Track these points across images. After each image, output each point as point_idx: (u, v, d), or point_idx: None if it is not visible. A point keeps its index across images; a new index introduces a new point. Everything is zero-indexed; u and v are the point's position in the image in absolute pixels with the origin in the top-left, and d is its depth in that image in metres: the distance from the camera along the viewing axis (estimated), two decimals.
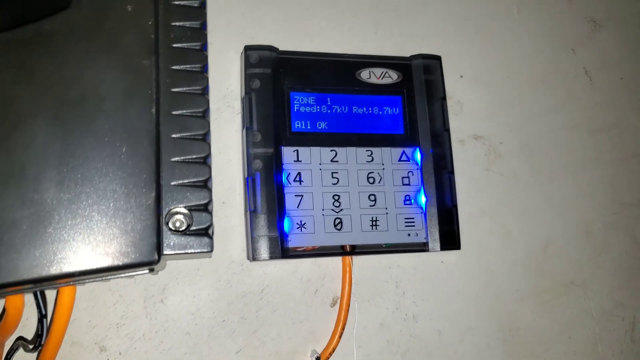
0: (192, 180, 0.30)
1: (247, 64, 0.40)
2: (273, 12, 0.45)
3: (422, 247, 0.41)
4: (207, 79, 0.32)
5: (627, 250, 0.50)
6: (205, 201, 0.30)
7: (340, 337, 0.39)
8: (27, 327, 0.35)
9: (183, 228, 0.29)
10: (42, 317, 0.31)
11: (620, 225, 0.50)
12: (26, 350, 0.31)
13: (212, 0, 0.43)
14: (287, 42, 0.44)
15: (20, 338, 0.32)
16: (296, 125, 0.40)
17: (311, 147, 0.40)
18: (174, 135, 0.30)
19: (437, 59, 0.44)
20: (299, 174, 0.39)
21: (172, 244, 0.29)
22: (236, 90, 0.42)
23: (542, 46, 0.52)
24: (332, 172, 0.40)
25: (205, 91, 0.31)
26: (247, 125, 0.39)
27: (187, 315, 0.38)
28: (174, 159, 0.30)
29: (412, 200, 0.41)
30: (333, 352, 0.39)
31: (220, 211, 0.40)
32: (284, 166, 0.39)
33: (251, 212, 0.38)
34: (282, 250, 0.37)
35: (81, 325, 0.36)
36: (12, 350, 0.32)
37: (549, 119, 0.50)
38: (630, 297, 0.49)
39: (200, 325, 0.38)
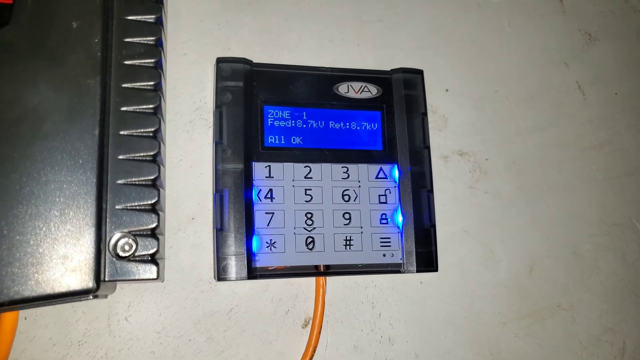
0: (138, 203, 0.29)
1: (219, 76, 0.39)
2: (251, 23, 0.44)
3: (398, 269, 0.40)
4: (160, 96, 0.30)
5: (617, 273, 0.48)
6: (152, 225, 0.29)
7: (311, 359, 0.38)
8: None
9: (127, 254, 0.28)
10: None
11: (611, 246, 0.48)
12: None
13: (188, 10, 0.42)
14: (265, 54, 0.43)
15: None
16: (269, 140, 0.39)
17: (284, 163, 0.39)
18: (120, 157, 0.29)
19: (419, 73, 0.43)
20: (271, 190, 0.38)
21: (114, 270, 0.28)
22: (210, 102, 0.41)
23: (533, 60, 0.50)
24: (306, 189, 0.39)
25: (157, 110, 0.30)
26: (217, 140, 0.38)
27: (152, 334, 0.37)
28: (120, 182, 0.29)
29: (389, 219, 0.40)
30: None
31: (189, 227, 0.39)
32: (254, 182, 0.38)
33: (218, 230, 0.37)
34: (248, 270, 0.36)
35: (41, 343, 0.35)
36: None
37: (538, 136, 0.48)
38: (619, 322, 0.47)
39: (165, 344, 0.37)
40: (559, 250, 0.47)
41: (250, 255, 0.37)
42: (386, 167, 0.41)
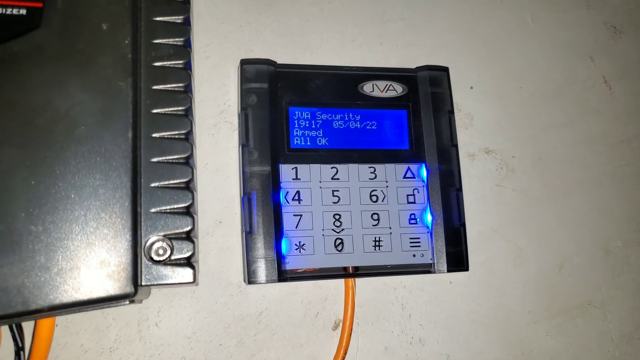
0: (173, 206, 0.28)
1: (244, 78, 0.38)
2: (273, 25, 0.43)
3: (428, 269, 0.39)
4: (190, 98, 0.30)
5: None
6: (188, 228, 0.28)
7: None
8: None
9: (164, 257, 0.28)
10: (18, 350, 0.30)
11: None
12: None
13: (209, 13, 0.42)
14: (288, 55, 0.43)
15: None
16: (295, 142, 0.39)
17: (311, 165, 0.38)
18: (154, 160, 0.29)
19: (445, 70, 0.42)
20: (298, 192, 0.38)
21: (151, 274, 0.27)
22: (234, 105, 0.41)
23: (557, 55, 0.49)
24: (333, 190, 0.38)
25: (188, 112, 0.30)
26: (243, 143, 0.37)
27: (183, 340, 0.37)
28: (153, 185, 0.28)
29: (418, 219, 0.39)
30: None
31: (217, 231, 0.39)
32: (281, 185, 0.38)
33: (247, 233, 0.36)
34: (279, 273, 0.36)
35: (73, 350, 0.35)
36: None
37: (565, 132, 0.48)
38: None
39: (196, 349, 0.37)
40: (589, 247, 0.46)
41: (280, 258, 0.36)
42: (414, 167, 0.40)
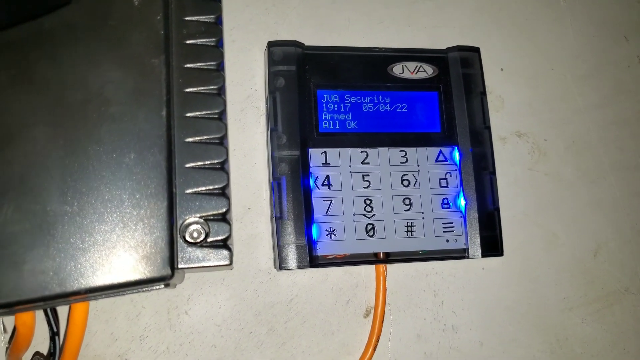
0: (208, 187, 0.28)
1: (271, 61, 0.37)
2: (298, 7, 0.42)
3: (462, 254, 0.38)
4: (223, 77, 0.29)
5: None
6: (224, 210, 0.28)
7: (374, 349, 0.37)
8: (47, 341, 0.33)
9: (199, 240, 0.27)
10: (53, 335, 0.29)
11: None
12: None
13: None
14: (314, 37, 0.42)
15: (38, 354, 0.31)
16: (324, 126, 0.38)
17: (340, 149, 0.38)
18: (188, 140, 0.28)
19: (476, 51, 0.41)
20: (328, 177, 0.37)
21: (187, 257, 0.27)
22: (261, 90, 0.40)
23: (590, 35, 0.48)
24: (363, 175, 0.38)
25: (221, 91, 0.29)
26: (272, 127, 0.37)
27: (213, 327, 0.36)
28: (188, 165, 0.27)
29: (451, 204, 0.38)
30: None
31: (246, 217, 0.38)
32: (311, 169, 0.37)
33: (277, 219, 0.36)
34: (310, 258, 0.35)
35: (103, 338, 0.35)
36: None
37: (598, 114, 0.46)
38: None
39: (226, 337, 0.36)
40: (625, 232, 0.45)
41: (311, 244, 0.35)
42: (446, 150, 0.39)
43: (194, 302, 0.36)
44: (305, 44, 0.39)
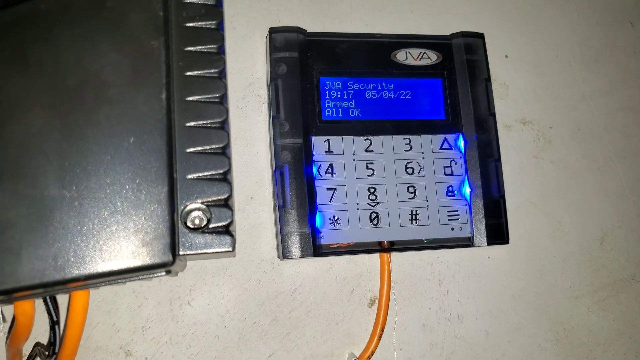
0: (210, 172, 0.27)
1: (273, 47, 0.37)
2: None
3: (467, 242, 0.38)
4: (224, 60, 0.29)
5: None
6: (225, 195, 0.27)
7: (379, 339, 0.37)
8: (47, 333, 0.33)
9: (201, 226, 0.26)
10: (53, 324, 0.29)
11: None
12: (42, 358, 0.29)
13: None
14: (316, 23, 0.41)
15: (38, 344, 0.31)
16: (327, 113, 0.37)
17: (343, 137, 0.37)
18: (188, 124, 0.27)
19: (480, 37, 0.41)
20: (331, 165, 0.37)
21: (189, 243, 0.26)
22: (262, 77, 0.40)
23: (595, 21, 0.48)
24: (367, 163, 0.37)
25: (222, 74, 0.28)
26: (274, 114, 0.36)
27: (216, 318, 0.36)
28: (189, 150, 0.27)
29: (456, 192, 0.38)
30: (372, 355, 0.37)
31: (249, 207, 0.38)
32: (314, 157, 0.36)
33: (280, 208, 0.35)
34: (314, 247, 0.35)
35: (105, 329, 0.35)
36: (32, 357, 0.30)
37: (603, 101, 0.46)
38: None
39: (229, 328, 0.36)
40: (631, 220, 0.44)
41: (315, 232, 0.35)
42: (450, 137, 0.39)
43: (196, 292, 0.36)
44: (307, 31, 0.38)
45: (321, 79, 0.38)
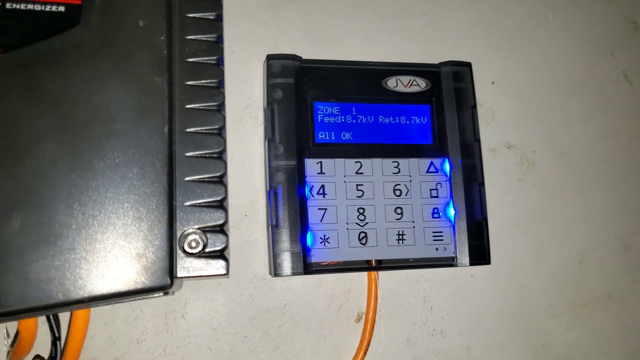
0: (207, 200, 0.29)
1: (270, 73, 0.39)
2: (297, 20, 0.44)
3: (451, 262, 0.40)
4: (223, 94, 0.30)
5: None
6: (221, 222, 0.29)
7: (365, 353, 0.38)
8: (46, 344, 0.34)
9: (197, 250, 0.28)
10: (55, 340, 0.30)
11: None
12: None
13: (234, 9, 0.42)
14: (312, 50, 0.43)
15: (38, 357, 0.32)
16: (320, 136, 0.39)
17: (335, 159, 0.39)
18: (188, 154, 0.29)
19: (467, 65, 0.42)
20: (323, 186, 0.38)
21: (186, 266, 0.28)
22: (259, 100, 0.41)
23: (578, 50, 0.49)
24: (357, 185, 0.39)
25: (221, 107, 0.30)
26: (270, 137, 0.38)
27: (209, 331, 0.37)
28: (188, 179, 0.29)
29: (441, 213, 0.40)
30: None
31: (243, 224, 0.39)
32: (307, 179, 0.38)
33: (273, 227, 0.37)
34: (304, 265, 0.36)
35: (102, 341, 0.36)
36: None
37: (585, 127, 0.48)
38: None
39: (222, 340, 0.38)
40: (609, 242, 0.46)
41: (306, 251, 0.37)
42: (437, 161, 0.40)
43: (190, 306, 0.38)
44: (303, 57, 0.40)
45: (315, 103, 0.39)
